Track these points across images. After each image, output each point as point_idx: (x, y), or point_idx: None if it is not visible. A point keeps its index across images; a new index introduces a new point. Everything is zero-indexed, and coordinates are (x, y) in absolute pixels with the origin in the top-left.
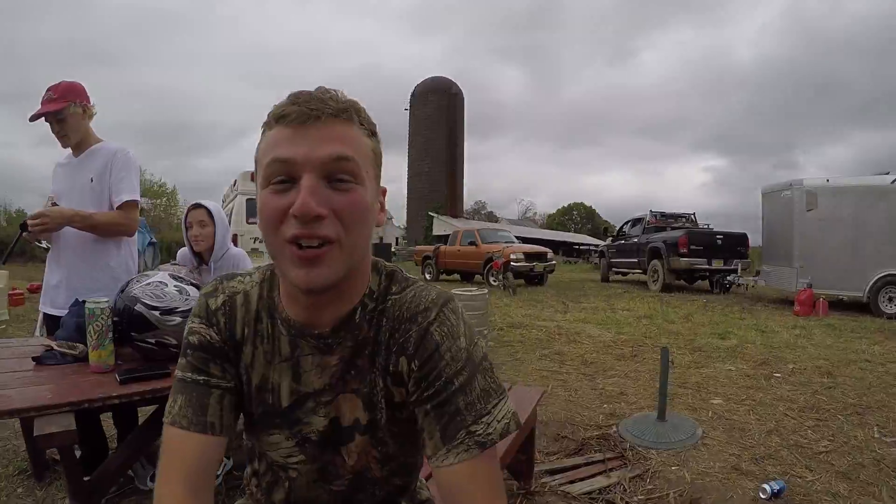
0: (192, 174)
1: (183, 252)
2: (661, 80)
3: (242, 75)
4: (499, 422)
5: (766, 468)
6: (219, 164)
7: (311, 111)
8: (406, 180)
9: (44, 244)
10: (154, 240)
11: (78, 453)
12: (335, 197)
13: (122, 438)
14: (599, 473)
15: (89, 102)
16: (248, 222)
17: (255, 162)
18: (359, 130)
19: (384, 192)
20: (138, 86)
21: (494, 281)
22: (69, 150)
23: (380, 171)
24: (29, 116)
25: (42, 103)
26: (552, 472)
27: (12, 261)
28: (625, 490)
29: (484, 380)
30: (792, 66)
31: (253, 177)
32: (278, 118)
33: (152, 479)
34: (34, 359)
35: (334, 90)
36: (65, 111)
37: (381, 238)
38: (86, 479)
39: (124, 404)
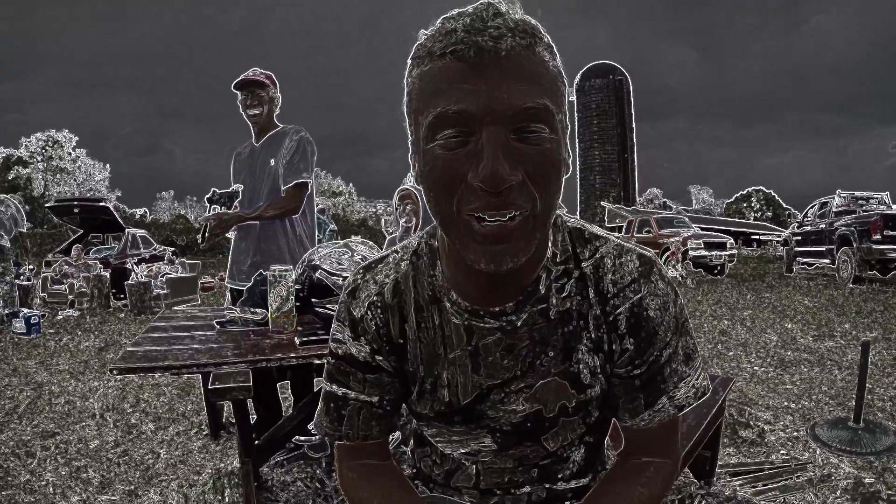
0: (368, 176)
1: (391, 240)
2: (840, 47)
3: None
4: (696, 388)
5: None
6: (389, 165)
7: (488, 43)
8: (578, 171)
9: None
10: (335, 227)
11: (253, 418)
12: (527, 155)
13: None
14: (785, 478)
15: (278, 92)
16: None
17: (408, 102)
18: (544, 55)
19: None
20: (322, 101)
21: (672, 270)
22: (249, 142)
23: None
24: (234, 84)
25: (247, 77)
26: (734, 474)
27: (209, 256)
28: (812, 499)
29: (686, 342)
30: None
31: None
32: (442, 53)
33: (312, 448)
34: (218, 323)
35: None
36: (264, 88)
37: None
38: (256, 442)
39: (302, 368)
